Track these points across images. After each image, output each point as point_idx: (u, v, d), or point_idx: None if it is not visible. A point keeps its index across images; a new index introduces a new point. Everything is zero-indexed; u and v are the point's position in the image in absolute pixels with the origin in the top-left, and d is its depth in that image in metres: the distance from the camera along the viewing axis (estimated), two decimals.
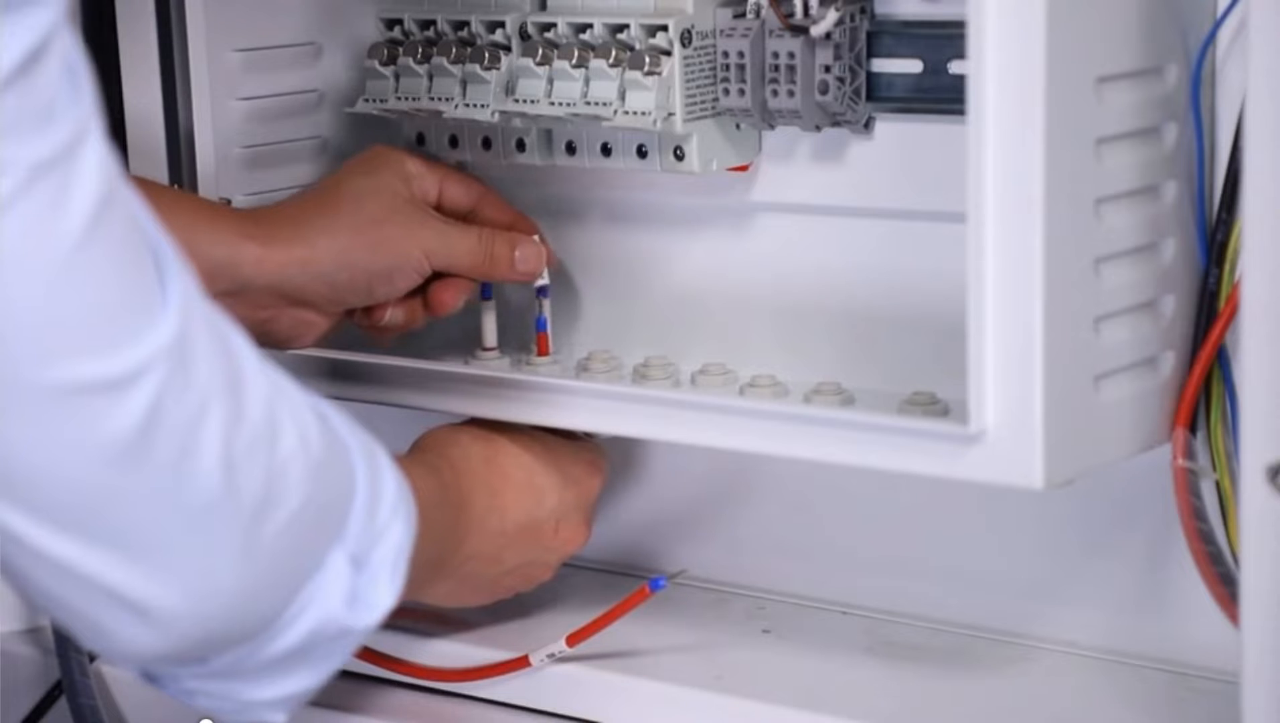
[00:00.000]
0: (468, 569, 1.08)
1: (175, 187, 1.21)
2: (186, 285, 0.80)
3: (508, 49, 1.15)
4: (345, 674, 1.15)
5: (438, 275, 1.15)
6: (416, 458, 1.06)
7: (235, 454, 0.81)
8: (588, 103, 1.11)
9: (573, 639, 1.10)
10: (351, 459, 0.88)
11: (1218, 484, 0.98)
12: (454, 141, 1.21)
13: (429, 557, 1.00)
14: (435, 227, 1.15)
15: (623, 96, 1.10)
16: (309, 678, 0.89)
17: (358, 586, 0.88)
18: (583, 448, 1.15)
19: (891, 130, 1.09)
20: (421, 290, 1.16)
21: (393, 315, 1.16)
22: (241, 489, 0.81)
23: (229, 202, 1.20)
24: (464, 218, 1.18)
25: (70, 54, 0.75)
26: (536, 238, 1.17)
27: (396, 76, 1.19)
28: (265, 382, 0.83)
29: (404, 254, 1.13)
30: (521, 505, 1.10)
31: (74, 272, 0.75)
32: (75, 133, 0.75)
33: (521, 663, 1.12)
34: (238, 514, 0.81)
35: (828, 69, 1.06)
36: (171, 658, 0.84)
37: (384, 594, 0.90)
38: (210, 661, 0.86)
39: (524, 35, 1.15)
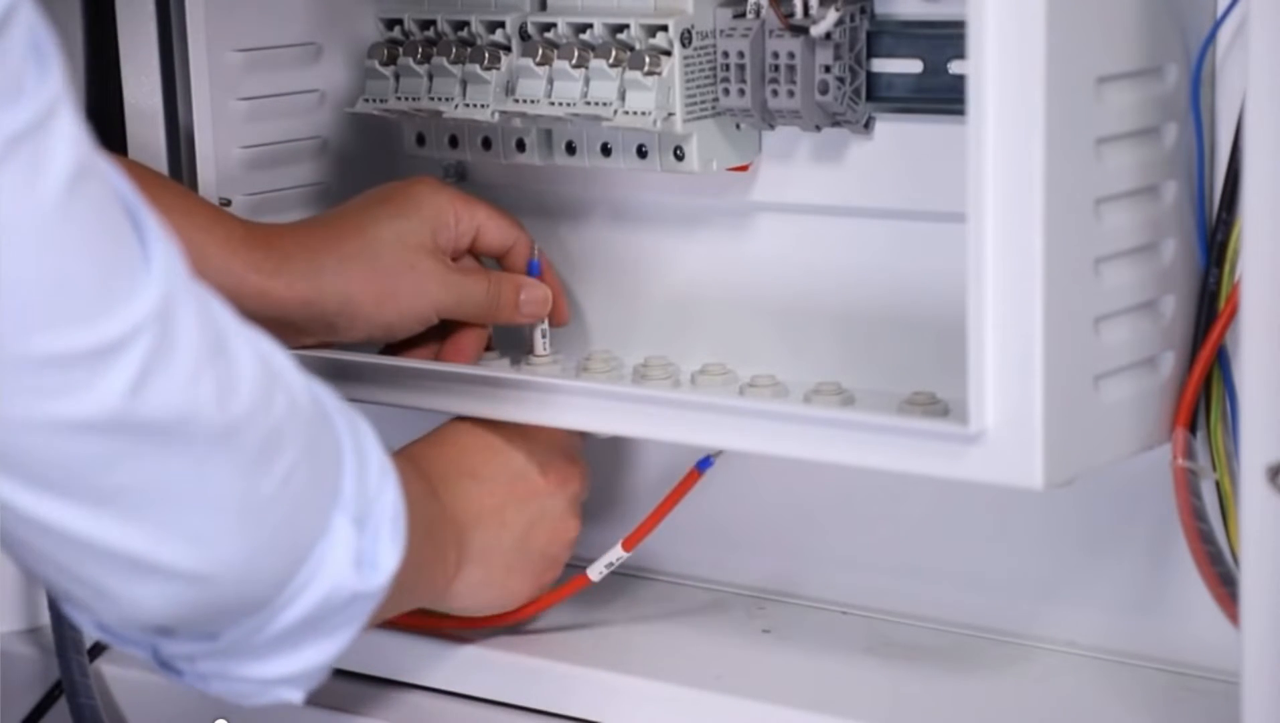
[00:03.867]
0: (479, 544, 1.08)
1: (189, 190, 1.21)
2: (169, 256, 0.80)
3: (508, 49, 1.15)
4: (347, 675, 1.16)
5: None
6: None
7: (229, 418, 0.81)
8: (588, 103, 1.11)
9: (629, 543, 1.11)
10: (335, 422, 0.89)
11: (1218, 484, 0.98)
12: (454, 142, 1.21)
13: (428, 545, 1.00)
14: (448, 280, 1.14)
15: (623, 96, 1.10)
16: (322, 652, 0.89)
17: (362, 548, 0.88)
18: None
19: (891, 130, 1.09)
20: (436, 332, 1.17)
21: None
22: (238, 452, 0.81)
23: (229, 202, 1.20)
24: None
25: (36, 32, 0.75)
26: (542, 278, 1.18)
27: (396, 76, 1.19)
28: (252, 348, 0.84)
29: (411, 310, 1.14)
30: (491, 464, 1.10)
31: (52, 242, 0.75)
32: (45, 108, 0.75)
33: (582, 581, 1.13)
34: (237, 472, 0.82)
35: (828, 69, 1.06)
36: (183, 621, 0.84)
37: (387, 555, 0.89)
38: (221, 634, 0.86)
39: (524, 35, 1.15)
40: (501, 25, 1.15)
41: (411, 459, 1.05)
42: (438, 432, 1.12)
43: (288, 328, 1.11)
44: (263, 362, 0.84)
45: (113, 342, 0.77)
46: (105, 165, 0.79)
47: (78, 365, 0.76)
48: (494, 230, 1.17)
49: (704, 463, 1.10)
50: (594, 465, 1.20)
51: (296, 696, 0.90)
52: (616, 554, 1.12)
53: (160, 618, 0.84)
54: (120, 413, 0.77)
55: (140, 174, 1.14)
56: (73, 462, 0.78)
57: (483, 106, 1.15)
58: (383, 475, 0.90)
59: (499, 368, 1.18)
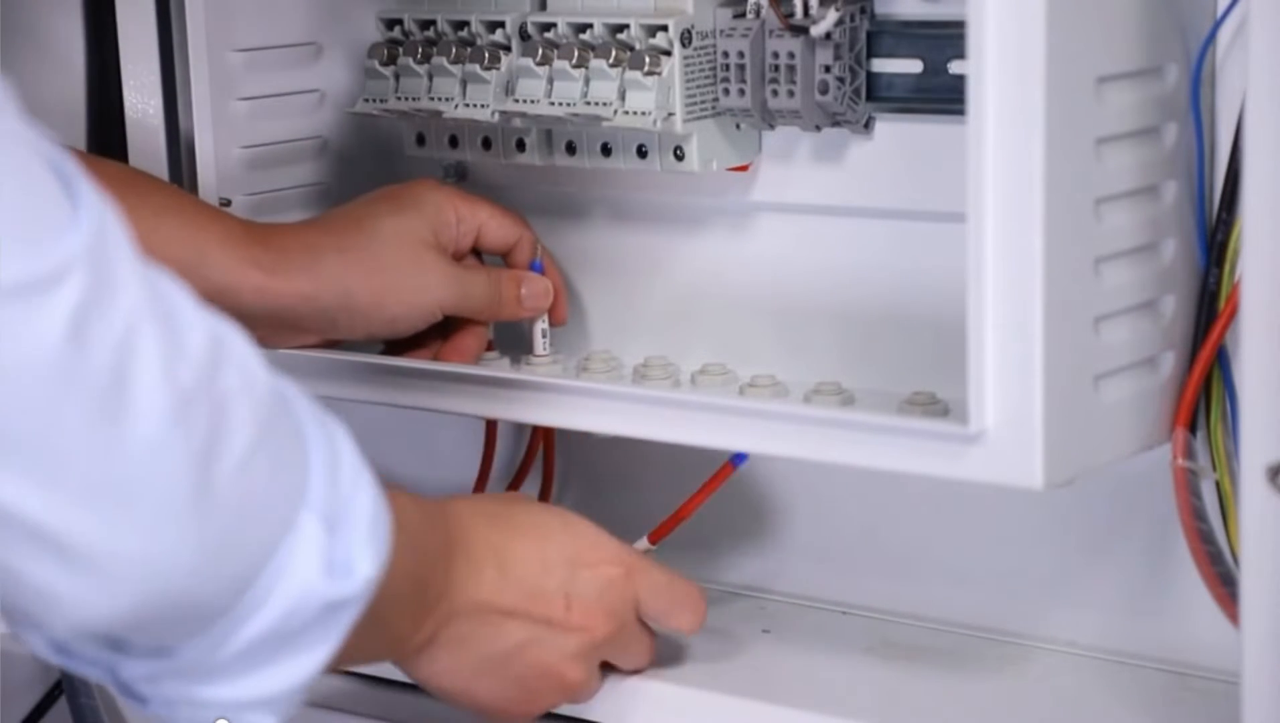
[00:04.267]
0: (461, 631, 0.99)
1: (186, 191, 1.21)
2: (103, 217, 0.76)
3: (508, 49, 1.15)
4: (346, 675, 1.16)
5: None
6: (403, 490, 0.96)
7: (176, 385, 0.76)
8: (588, 103, 1.11)
9: (655, 536, 1.11)
10: (301, 417, 0.84)
11: (1218, 484, 0.98)
12: (454, 142, 1.21)
13: (412, 586, 0.94)
14: (450, 275, 1.14)
15: (623, 96, 1.10)
16: (295, 671, 0.84)
17: (334, 551, 0.83)
18: (607, 537, 1.06)
19: (891, 130, 1.09)
20: (436, 333, 1.16)
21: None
22: (187, 423, 0.76)
23: (229, 202, 1.20)
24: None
25: None
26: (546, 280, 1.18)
27: (396, 76, 1.19)
28: (202, 320, 0.79)
29: (413, 304, 1.13)
30: (528, 567, 1.00)
31: None
32: None
33: None
34: (187, 451, 0.77)
35: (828, 69, 1.06)
36: (132, 626, 0.79)
37: (364, 560, 0.84)
38: (178, 649, 0.81)
39: (524, 35, 1.15)
40: (501, 25, 1.15)
41: (444, 510, 0.99)
42: (497, 499, 1.06)
43: (289, 324, 1.11)
44: (213, 337, 0.79)
45: (41, 277, 0.73)
46: (22, 125, 0.75)
47: (3, 304, 0.72)
48: (496, 229, 1.17)
49: (738, 458, 1.08)
50: (601, 466, 1.20)
51: (269, 721, 0.84)
52: (643, 546, 1.12)
53: (106, 620, 0.78)
54: (59, 359, 0.73)
55: (135, 176, 1.14)
56: (13, 421, 0.73)
57: (483, 106, 1.15)
58: (357, 477, 0.85)
59: (499, 368, 1.18)
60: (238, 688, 0.84)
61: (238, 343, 0.82)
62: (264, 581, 0.82)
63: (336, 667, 0.88)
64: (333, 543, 0.84)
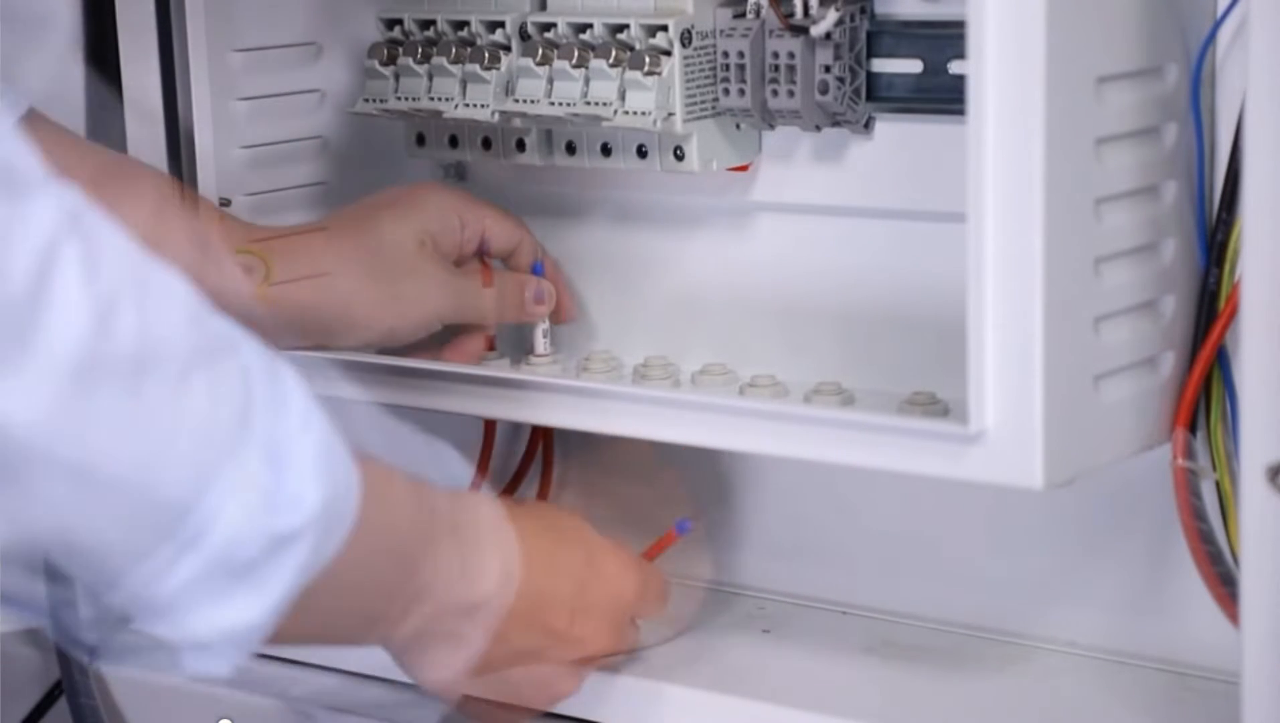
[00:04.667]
0: (458, 628, 0.97)
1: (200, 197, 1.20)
2: (10, 135, 0.75)
3: (508, 49, 1.15)
4: (346, 674, 1.16)
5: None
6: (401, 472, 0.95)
7: (99, 299, 0.76)
8: (588, 103, 1.11)
9: None
10: (244, 355, 0.83)
11: (1218, 484, 0.98)
12: (454, 141, 1.21)
13: (389, 559, 0.92)
14: (450, 285, 1.14)
15: (623, 96, 1.10)
16: (244, 609, 0.81)
17: (278, 485, 0.82)
18: (621, 550, 1.06)
19: (891, 130, 1.09)
20: (437, 334, 1.16)
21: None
22: (112, 337, 0.76)
23: (229, 202, 1.20)
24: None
25: None
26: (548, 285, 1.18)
27: (396, 76, 1.19)
28: (127, 247, 0.79)
29: (411, 315, 1.13)
30: (534, 573, 0.99)
31: None
32: None
33: None
34: (116, 367, 0.76)
35: (828, 69, 1.06)
36: (72, 539, 0.78)
37: (309, 490, 0.82)
38: (122, 577, 0.80)
39: (524, 35, 1.15)
40: (501, 25, 1.15)
41: (457, 502, 0.97)
42: (516, 504, 1.05)
43: (287, 330, 1.11)
44: (140, 262, 0.79)
45: None
46: None
47: None
48: (499, 232, 1.17)
49: (682, 527, 1.09)
50: (601, 466, 1.20)
51: (220, 667, 0.82)
52: None
53: (45, 529, 0.77)
54: None
55: (136, 175, 1.14)
56: None
57: (483, 106, 1.15)
58: (307, 419, 0.84)
59: (499, 368, 1.18)
60: (186, 625, 0.81)
61: (176, 282, 0.81)
62: (205, 507, 0.80)
63: (322, 641, 0.88)
64: (277, 477, 0.82)
